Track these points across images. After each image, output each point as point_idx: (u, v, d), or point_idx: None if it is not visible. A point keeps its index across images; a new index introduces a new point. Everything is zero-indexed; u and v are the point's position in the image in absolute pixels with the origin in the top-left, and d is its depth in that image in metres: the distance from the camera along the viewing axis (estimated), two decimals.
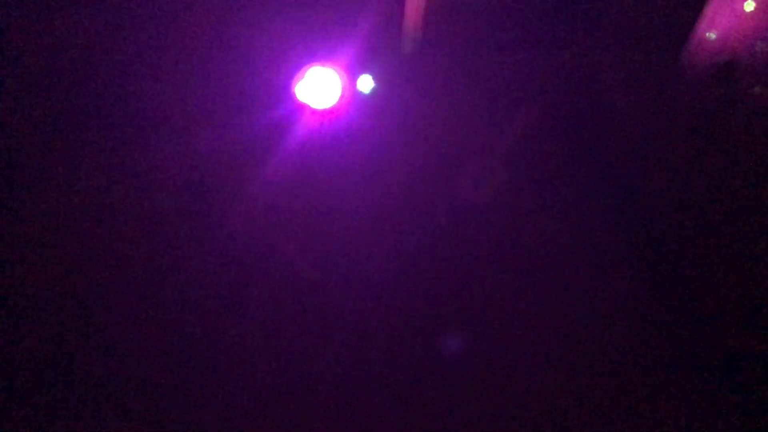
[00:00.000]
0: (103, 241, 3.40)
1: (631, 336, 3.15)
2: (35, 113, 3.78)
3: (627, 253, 3.57)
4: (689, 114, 3.31)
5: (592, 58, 4.25)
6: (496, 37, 4.32)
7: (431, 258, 3.51)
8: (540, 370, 2.99)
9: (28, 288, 3.15)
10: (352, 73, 4.01)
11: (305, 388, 2.87)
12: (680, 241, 3.39)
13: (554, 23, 4.27)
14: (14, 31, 3.79)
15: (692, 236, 3.27)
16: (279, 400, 2.82)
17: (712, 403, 2.86)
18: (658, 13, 3.61)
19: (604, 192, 3.92)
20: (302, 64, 3.87)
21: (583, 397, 2.88)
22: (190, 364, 2.93)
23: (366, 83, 4.10)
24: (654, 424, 2.80)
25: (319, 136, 4.00)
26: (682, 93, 3.36)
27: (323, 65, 3.86)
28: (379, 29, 4.15)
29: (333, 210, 3.73)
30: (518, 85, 4.37)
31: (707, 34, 3.13)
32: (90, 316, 3.07)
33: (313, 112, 3.95)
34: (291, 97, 3.90)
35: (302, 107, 3.93)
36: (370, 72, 4.12)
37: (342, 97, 3.92)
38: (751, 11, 2.82)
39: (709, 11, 3.14)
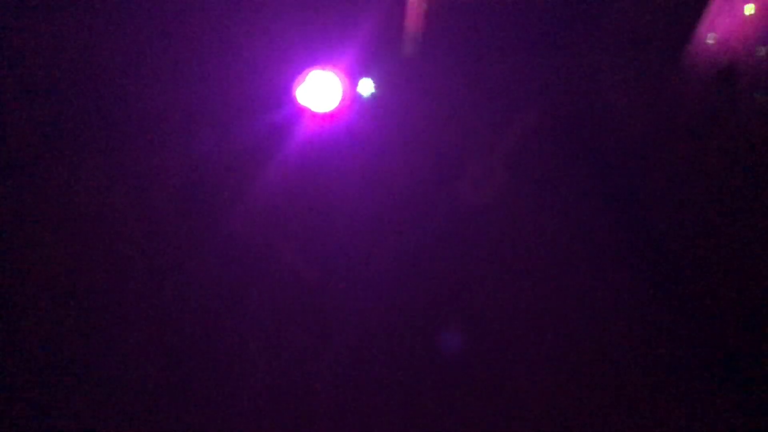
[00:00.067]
0: (103, 241, 3.40)
1: (631, 336, 3.15)
2: (35, 113, 3.78)
3: (627, 253, 3.57)
4: (689, 114, 3.31)
5: (591, 59, 4.26)
6: (496, 39, 4.32)
7: (431, 258, 3.51)
8: (540, 370, 2.99)
9: (28, 288, 3.15)
10: (352, 77, 4.02)
11: (305, 388, 2.87)
12: (680, 241, 3.39)
13: (554, 24, 4.28)
14: (14, 31, 3.79)
15: (692, 236, 3.27)
16: (279, 400, 2.82)
17: (712, 403, 2.86)
18: (657, 15, 3.62)
19: (604, 192, 3.92)
20: (303, 67, 3.88)
21: (583, 397, 2.88)
22: (190, 364, 2.93)
23: (366, 87, 4.11)
24: (654, 424, 2.81)
25: (319, 140, 4.00)
26: (682, 94, 3.37)
27: (324, 69, 3.87)
28: (379, 33, 4.16)
29: (333, 212, 3.73)
30: (518, 86, 4.38)
31: (707, 37, 3.14)
32: (90, 316, 3.07)
33: (314, 115, 3.96)
34: (292, 100, 3.91)
35: (303, 110, 3.94)
36: (371, 75, 4.13)
37: (342, 100, 3.92)
38: (751, 14, 2.83)
39: (709, 14, 3.15)
